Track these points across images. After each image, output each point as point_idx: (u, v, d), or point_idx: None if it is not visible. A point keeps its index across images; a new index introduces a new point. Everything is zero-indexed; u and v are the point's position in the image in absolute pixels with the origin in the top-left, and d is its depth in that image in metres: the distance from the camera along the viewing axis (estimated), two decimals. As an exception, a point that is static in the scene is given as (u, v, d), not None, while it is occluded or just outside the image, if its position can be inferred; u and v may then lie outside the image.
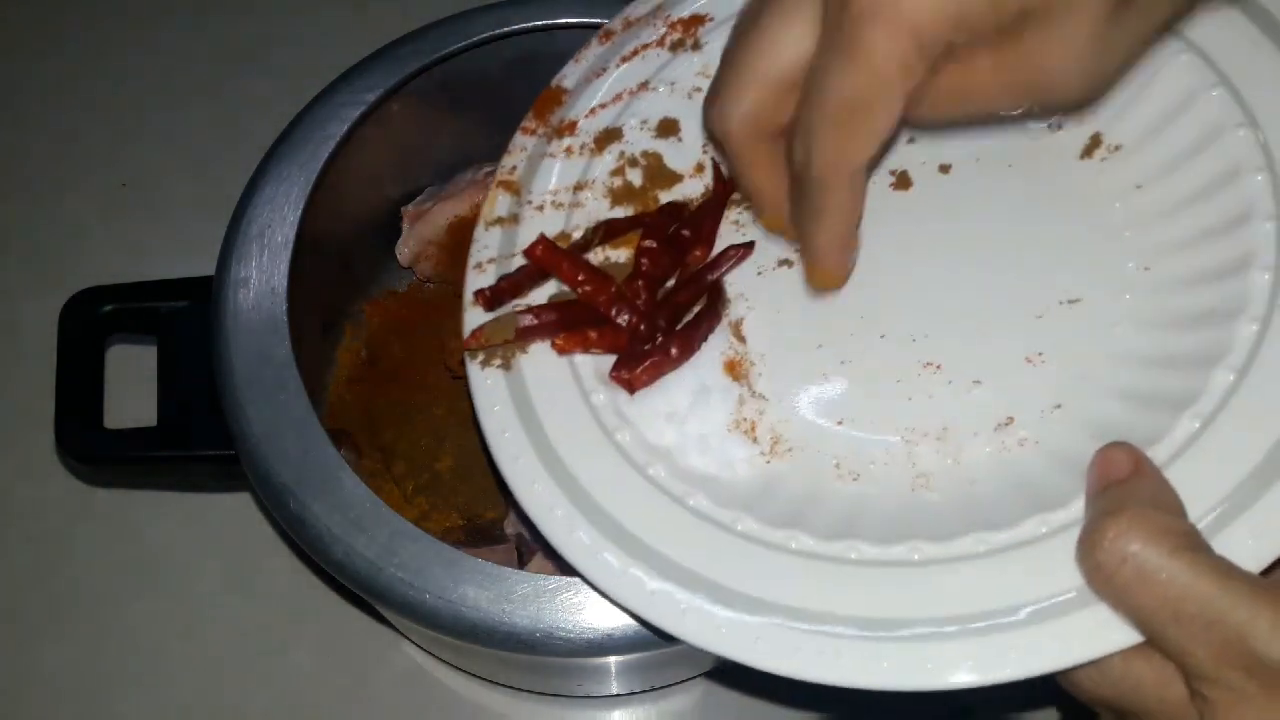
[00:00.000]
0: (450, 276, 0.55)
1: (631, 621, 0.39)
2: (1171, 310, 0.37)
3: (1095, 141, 0.40)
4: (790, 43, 0.32)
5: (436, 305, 0.56)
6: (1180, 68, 0.39)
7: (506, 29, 0.51)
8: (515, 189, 0.44)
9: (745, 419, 0.39)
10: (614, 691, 0.54)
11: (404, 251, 0.56)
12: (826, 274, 0.38)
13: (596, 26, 0.49)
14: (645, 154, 0.44)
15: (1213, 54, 0.39)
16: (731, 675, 0.55)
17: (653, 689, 0.54)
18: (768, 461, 0.38)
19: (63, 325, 0.48)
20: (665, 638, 0.36)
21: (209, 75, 0.71)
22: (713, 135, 0.36)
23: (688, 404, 0.39)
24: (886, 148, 0.34)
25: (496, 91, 0.53)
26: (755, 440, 0.38)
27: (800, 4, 0.32)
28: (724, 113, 0.34)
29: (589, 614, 0.40)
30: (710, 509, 0.37)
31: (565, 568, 0.38)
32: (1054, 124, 0.41)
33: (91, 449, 0.47)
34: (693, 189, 0.44)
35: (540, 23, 0.52)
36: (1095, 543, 0.31)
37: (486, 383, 0.40)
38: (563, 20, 0.51)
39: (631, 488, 0.37)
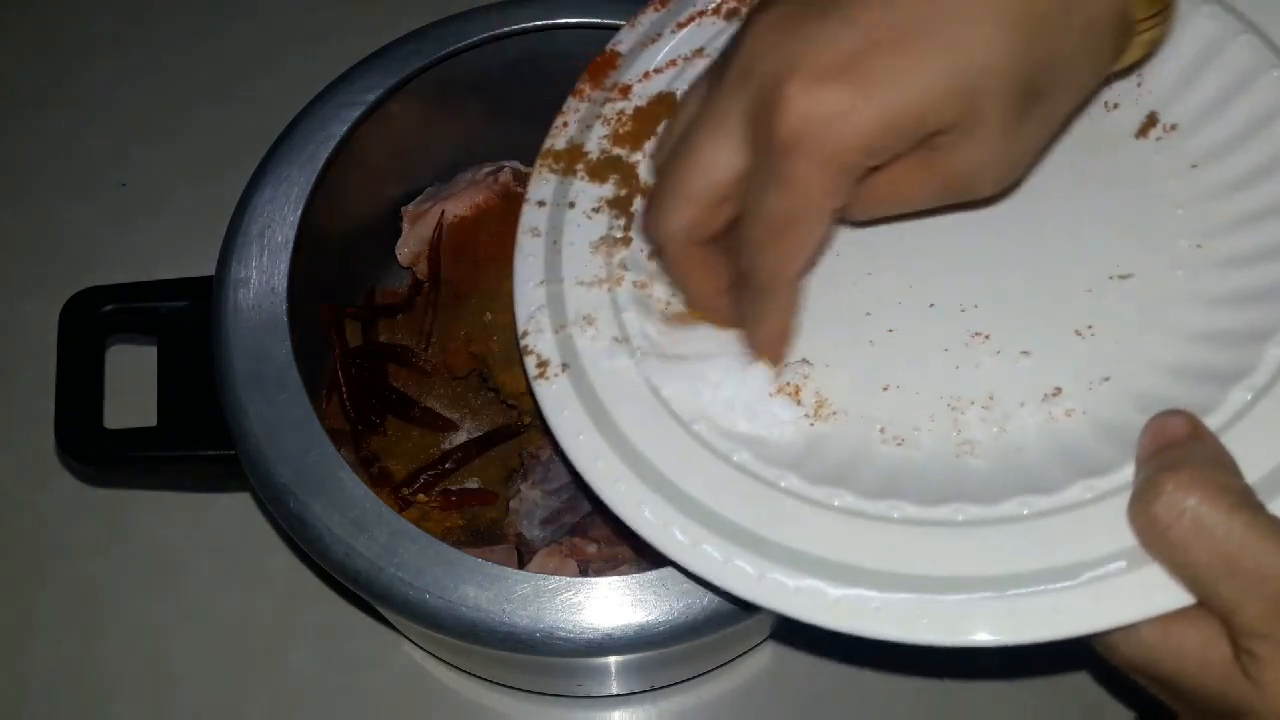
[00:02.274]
0: (450, 276, 0.55)
1: (631, 621, 0.39)
2: (1223, 288, 0.37)
3: (1151, 120, 0.41)
4: (722, 163, 0.35)
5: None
6: (1240, 48, 0.39)
7: (506, 29, 0.51)
8: (562, 155, 0.45)
9: (789, 383, 0.39)
10: (614, 691, 0.54)
11: (404, 251, 0.56)
12: (771, 355, 0.39)
13: (597, 26, 0.49)
14: None
15: (1272, 34, 0.39)
16: (730, 675, 0.55)
17: (653, 689, 0.54)
18: (812, 424, 0.38)
19: (63, 325, 0.48)
20: (723, 595, 0.37)
21: (209, 75, 0.71)
22: (651, 243, 0.39)
23: (737, 369, 0.39)
24: (821, 252, 0.40)
25: (496, 91, 0.53)
26: (800, 403, 0.38)
27: (731, 127, 0.34)
28: (662, 226, 0.37)
29: (589, 614, 0.40)
30: (756, 466, 0.37)
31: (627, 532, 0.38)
32: (1110, 103, 0.41)
33: (91, 449, 0.47)
34: None
35: (540, 23, 0.52)
36: (1153, 496, 0.31)
37: (553, 389, 0.40)
38: (563, 20, 0.51)
39: (680, 445, 0.38)
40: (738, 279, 0.37)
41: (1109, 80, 0.40)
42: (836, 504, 0.36)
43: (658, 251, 0.40)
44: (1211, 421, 0.34)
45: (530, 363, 0.40)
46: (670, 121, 0.39)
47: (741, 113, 0.34)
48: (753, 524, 0.36)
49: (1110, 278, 0.38)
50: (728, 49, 0.36)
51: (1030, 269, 0.39)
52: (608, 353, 0.40)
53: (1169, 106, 0.40)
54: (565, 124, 0.45)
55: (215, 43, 0.72)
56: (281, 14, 0.73)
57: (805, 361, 0.39)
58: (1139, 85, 0.41)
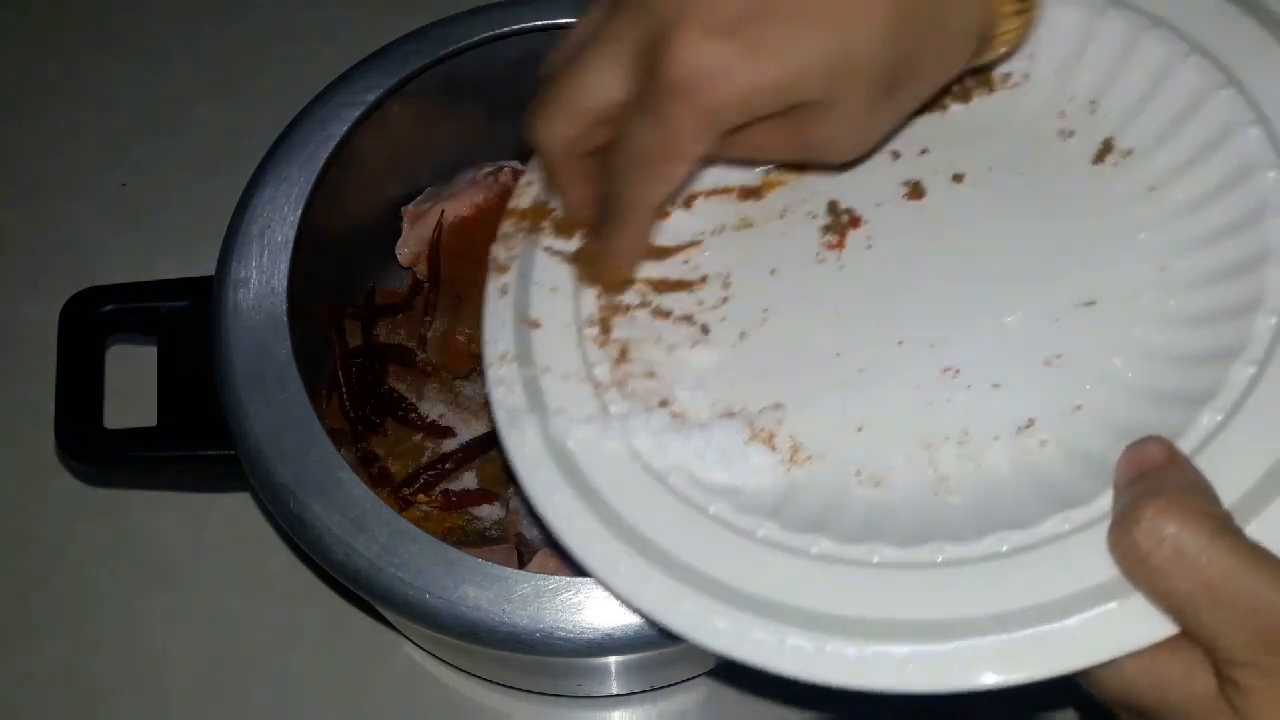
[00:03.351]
0: (450, 276, 0.55)
1: (631, 621, 0.39)
2: (1188, 308, 0.37)
3: (1106, 147, 0.41)
4: (605, 87, 0.37)
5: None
6: (1188, 70, 0.39)
7: (506, 29, 0.51)
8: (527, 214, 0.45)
9: (763, 428, 0.39)
10: (614, 691, 0.54)
11: (404, 251, 0.56)
12: (613, 274, 0.42)
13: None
14: None
15: (1219, 54, 0.39)
16: (731, 675, 0.55)
17: (653, 689, 0.54)
18: (788, 470, 0.38)
19: (63, 325, 0.48)
20: (673, 638, 0.36)
21: (209, 75, 0.71)
22: (533, 147, 0.41)
23: (706, 418, 0.39)
24: (684, 188, 0.42)
25: (496, 91, 0.53)
26: (774, 449, 0.38)
27: (620, 55, 0.36)
28: (542, 134, 0.39)
29: (589, 614, 0.40)
30: (733, 516, 0.37)
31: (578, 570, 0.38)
32: (1065, 131, 0.41)
33: (91, 449, 0.47)
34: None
35: (540, 23, 0.52)
36: (1132, 523, 0.31)
37: (525, 446, 0.40)
38: (563, 20, 0.51)
39: (649, 494, 0.38)
40: (601, 202, 0.40)
41: (978, 71, 0.42)
42: (814, 551, 0.35)
43: (542, 159, 0.41)
44: (1184, 445, 0.33)
45: (500, 414, 0.40)
46: (571, 30, 0.40)
47: (633, 43, 0.36)
48: (730, 578, 0.35)
49: (1076, 305, 0.38)
50: None
51: (997, 301, 0.39)
52: (580, 408, 0.40)
53: (1124, 131, 0.40)
54: (530, 182, 0.45)
55: (215, 42, 0.72)
56: (281, 14, 0.73)
57: (778, 405, 0.39)
58: (1093, 113, 0.41)
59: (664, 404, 0.40)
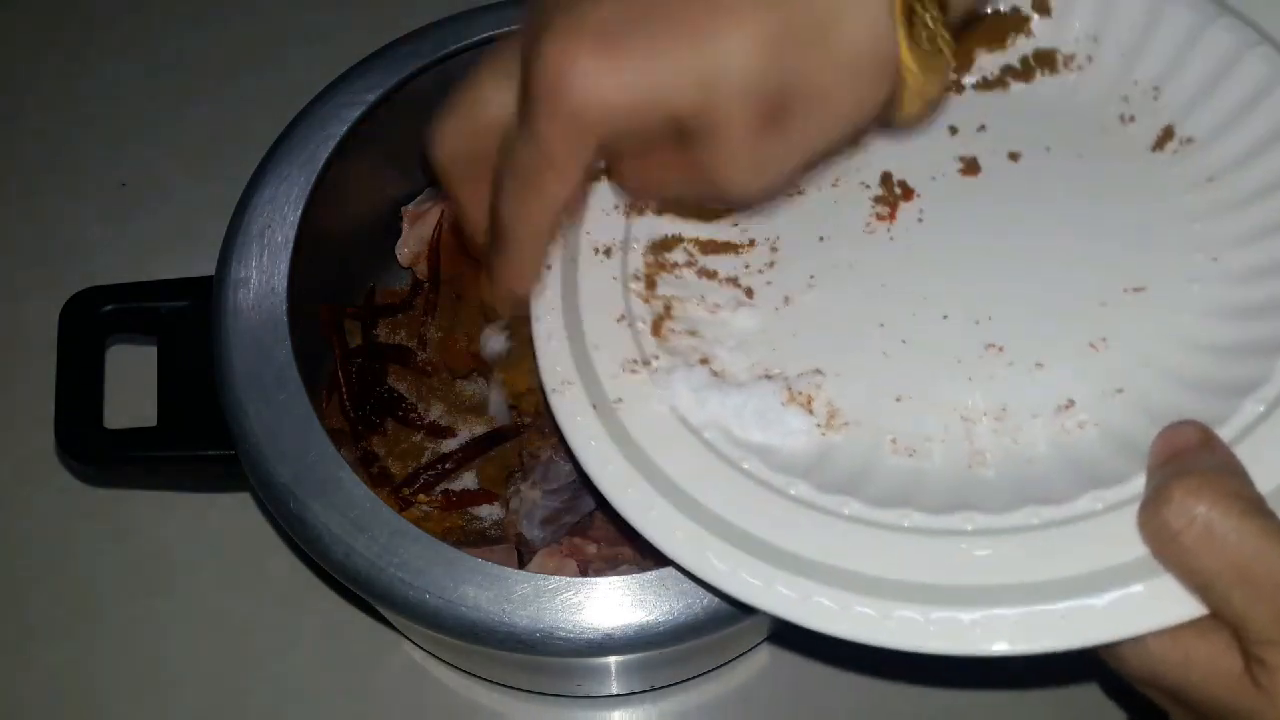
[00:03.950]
0: (450, 276, 0.55)
1: (631, 621, 0.39)
2: (1238, 301, 0.37)
3: (1167, 134, 0.41)
4: (494, 102, 0.36)
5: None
6: (1256, 59, 0.39)
7: (506, 29, 0.51)
8: None
9: (801, 392, 0.39)
10: (614, 691, 0.54)
11: (404, 251, 0.56)
12: (497, 295, 0.40)
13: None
14: None
15: None
16: (732, 675, 0.55)
17: (653, 689, 0.54)
18: (824, 434, 0.38)
19: (63, 325, 0.48)
20: (729, 601, 0.36)
21: (209, 75, 0.71)
22: (434, 165, 0.40)
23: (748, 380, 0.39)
24: (572, 211, 0.41)
25: (496, 91, 0.53)
26: (812, 413, 0.38)
27: (508, 73, 0.36)
28: (436, 145, 0.39)
29: (589, 614, 0.40)
30: (766, 473, 0.37)
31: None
32: (1126, 116, 0.41)
33: (91, 449, 0.47)
34: None
35: (540, 23, 0.52)
36: (1163, 503, 0.31)
37: (565, 399, 0.40)
38: (563, 20, 0.51)
39: (684, 446, 0.38)
40: (490, 218, 0.39)
41: (901, 127, 0.38)
42: (846, 512, 0.35)
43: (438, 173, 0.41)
44: (1224, 433, 0.34)
45: (546, 375, 0.40)
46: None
47: (515, 58, 0.35)
48: (760, 530, 0.35)
49: (1125, 290, 0.38)
50: None
51: (1045, 281, 0.39)
52: (622, 366, 0.40)
53: (1186, 119, 0.40)
54: None
55: (215, 42, 0.72)
56: (281, 13, 0.73)
57: (818, 371, 0.39)
58: (1156, 99, 0.41)
59: (705, 361, 0.40)
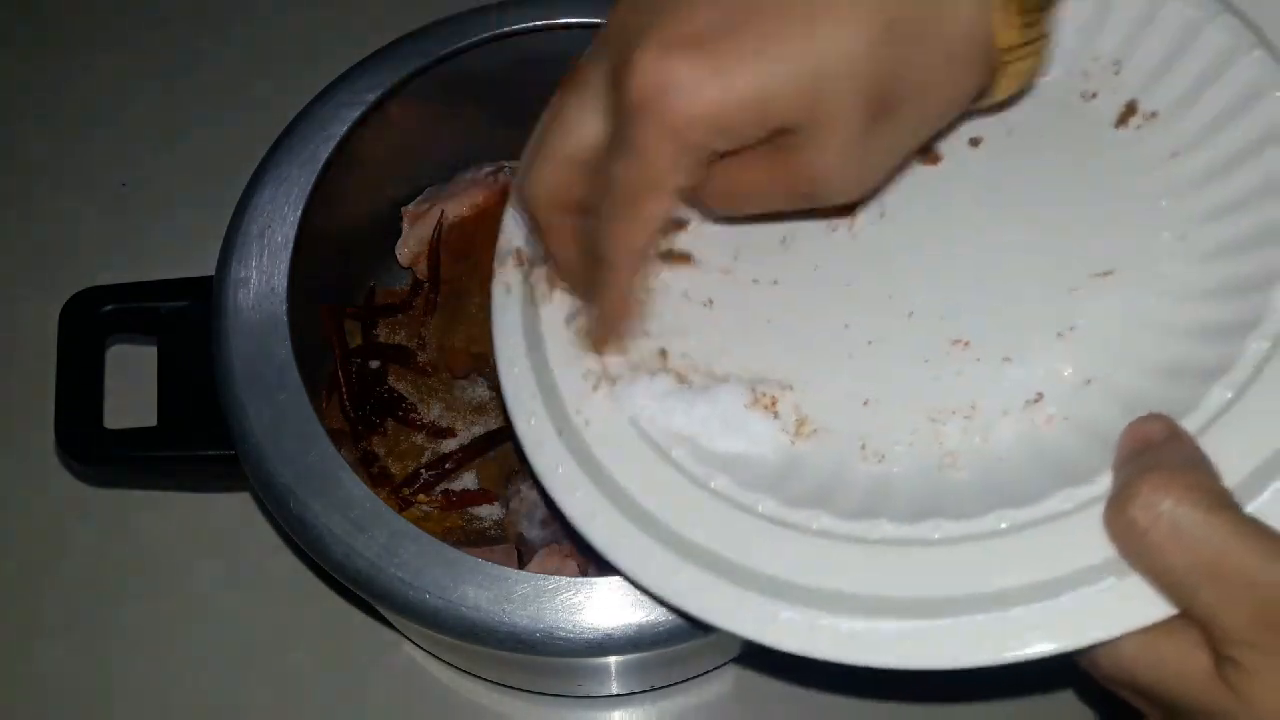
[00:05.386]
0: (450, 276, 0.55)
1: (631, 621, 0.39)
2: (1206, 280, 0.36)
3: (1130, 109, 0.39)
4: (584, 129, 0.35)
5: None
6: (1217, 29, 0.38)
7: (506, 29, 0.51)
8: None
9: (765, 394, 0.38)
10: (614, 691, 0.54)
11: (404, 251, 0.56)
12: (604, 337, 0.39)
13: (597, 26, 0.49)
14: None
15: (1251, 13, 0.38)
16: (732, 674, 0.55)
17: (653, 689, 0.54)
18: (792, 443, 0.38)
19: (63, 325, 0.48)
20: (699, 626, 0.36)
21: (209, 75, 0.71)
22: (522, 206, 0.39)
23: (710, 389, 0.39)
24: (666, 231, 0.40)
25: (496, 91, 0.53)
26: (778, 417, 0.38)
27: (596, 95, 0.34)
28: (528, 188, 0.37)
29: (589, 614, 0.40)
30: (734, 491, 0.36)
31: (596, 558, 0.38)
32: (1087, 93, 0.40)
33: (91, 449, 0.47)
34: None
35: (540, 23, 0.52)
36: (1129, 499, 0.30)
37: (531, 425, 0.40)
38: (563, 20, 0.51)
39: (650, 466, 0.37)
40: (589, 254, 0.37)
41: (987, 111, 0.39)
42: (814, 527, 0.35)
43: (529, 216, 0.39)
44: (1194, 420, 0.33)
45: (511, 403, 0.40)
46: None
47: (603, 77, 0.34)
48: (727, 551, 0.35)
49: (1092, 275, 0.37)
50: None
51: (1011, 271, 0.38)
52: (584, 376, 0.39)
53: (1148, 93, 0.39)
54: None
55: (215, 43, 0.72)
56: (281, 14, 0.73)
57: (785, 378, 0.39)
58: (1117, 73, 0.40)
59: (666, 370, 0.39)
